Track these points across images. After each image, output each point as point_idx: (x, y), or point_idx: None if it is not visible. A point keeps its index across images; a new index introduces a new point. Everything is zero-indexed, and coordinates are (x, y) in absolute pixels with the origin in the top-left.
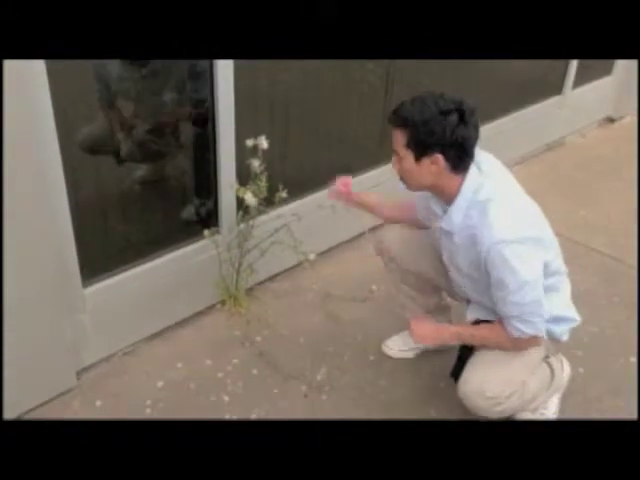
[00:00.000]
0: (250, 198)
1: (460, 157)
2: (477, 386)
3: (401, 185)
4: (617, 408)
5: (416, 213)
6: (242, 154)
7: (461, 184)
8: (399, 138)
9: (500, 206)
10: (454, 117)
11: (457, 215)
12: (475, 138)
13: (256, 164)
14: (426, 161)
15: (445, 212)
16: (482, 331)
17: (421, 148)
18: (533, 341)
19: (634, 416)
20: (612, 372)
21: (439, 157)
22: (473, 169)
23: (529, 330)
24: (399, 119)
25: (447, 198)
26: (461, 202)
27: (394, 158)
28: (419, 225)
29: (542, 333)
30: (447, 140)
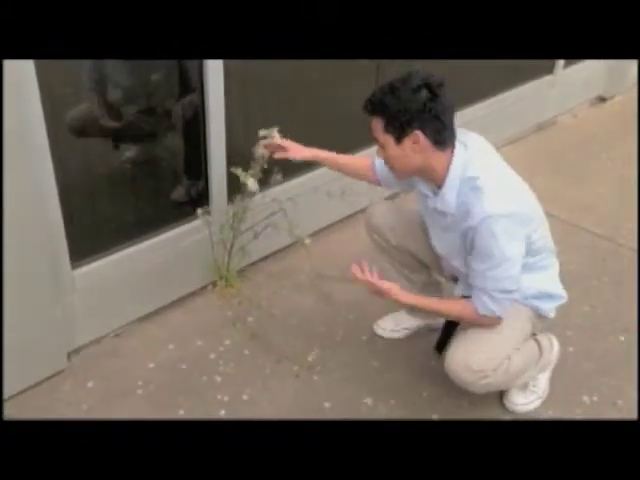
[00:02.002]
0: (252, 184)
1: (438, 131)
2: (463, 360)
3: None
4: (606, 386)
5: (374, 175)
6: (232, 134)
7: (448, 163)
8: (377, 125)
9: (489, 180)
10: (424, 92)
11: (451, 195)
12: (450, 109)
13: (260, 152)
14: (407, 142)
15: (435, 193)
16: (441, 305)
17: (399, 129)
18: (492, 320)
19: (625, 397)
20: (601, 351)
21: (418, 134)
22: (459, 148)
23: (496, 309)
24: (372, 106)
25: (437, 179)
26: (452, 181)
27: (378, 149)
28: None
29: (504, 315)
30: (422, 115)
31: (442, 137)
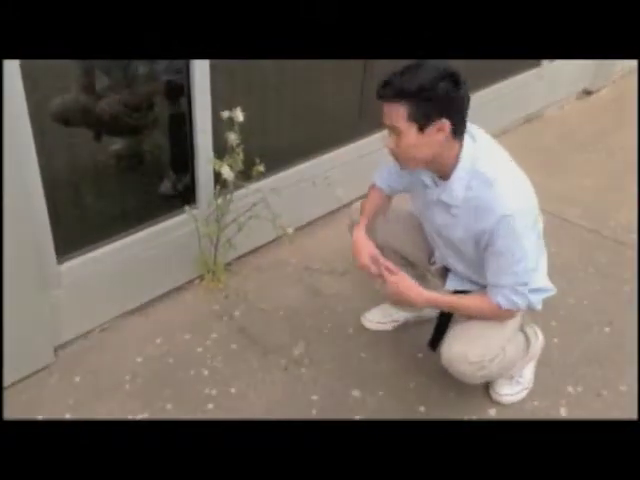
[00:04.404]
0: (227, 172)
1: (460, 121)
2: (461, 352)
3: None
4: (591, 377)
5: (383, 196)
6: (219, 128)
7: (458, 153)
8: (398, 112)
9: (503, 176)
10: (448, 80)
11: (458, 187)
12: (468, 99)
13: (232, 137)
14: (432, 130)
15: (436, 184)
16: (464, 300)
17: (426, 117)
18: (513, 313)
19: (609, 388)
20: (586, 342)
21: (446, 122)
22: (467, 139)
23: (520, 301)
24: (395, 92)
25: (444, 170)
26: (461, 173)
27: (390, 137)
28: (387, 206)
29: (527, 305)
30: (449, 104)
31: (461, 128)
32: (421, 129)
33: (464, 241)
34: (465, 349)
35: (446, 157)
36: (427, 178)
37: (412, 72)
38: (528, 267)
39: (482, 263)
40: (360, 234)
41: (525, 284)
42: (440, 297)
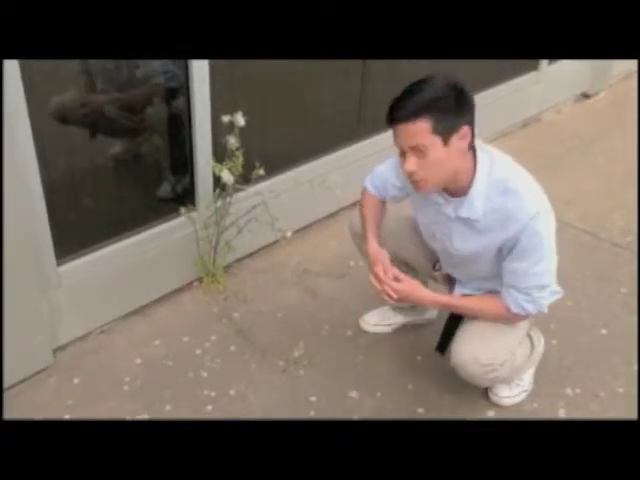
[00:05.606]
0: (226, 175)
1: (473, 129)
2: (471, 354)
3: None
4: (589, 378)
5: (380, 201)
6: (218, 131)
7: (474, 167)
8: (422, 129)
9: (520, 180)
10: (456, 88)
11: (479, 200)
12: (474, 108)
13: (232, 141)
14: (454, 140)
15: (447, 200)
16: (476, 303)
17: (449, 125)
18: (524, 317)
19: (606, 389)
20: (583, 344)
21: (467, 128)
22: (478, 150)
23: (530, 308)
24: (415, 108)
25: (461, 186)
26: (479, 185)
27: (410, 160)
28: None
29: (537, 311)
30: (465, 110)
31: (473, 137)
32: (445, 141)
33: (482, 253)
34: (477, 351)
35: (464, 172)
36: (436, 196)
37: (420, 88)
38: (550, 267)
39: (492, 273)
40: (373, 245)
41: (543, 287)
42: (451, 299)
